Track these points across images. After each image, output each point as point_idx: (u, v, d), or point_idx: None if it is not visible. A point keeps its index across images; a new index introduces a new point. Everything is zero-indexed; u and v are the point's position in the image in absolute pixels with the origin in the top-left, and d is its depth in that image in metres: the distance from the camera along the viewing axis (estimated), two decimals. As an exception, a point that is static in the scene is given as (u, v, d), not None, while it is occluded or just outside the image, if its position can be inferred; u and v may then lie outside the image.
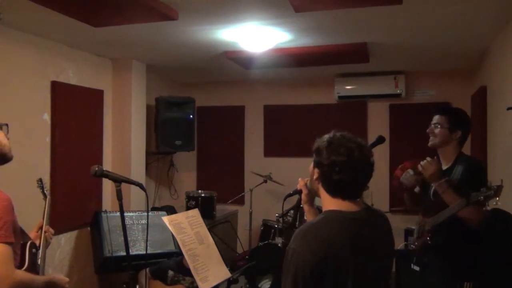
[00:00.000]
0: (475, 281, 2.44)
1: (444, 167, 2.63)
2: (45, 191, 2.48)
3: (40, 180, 2.54)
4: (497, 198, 2.11)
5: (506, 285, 2.49)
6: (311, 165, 1.66)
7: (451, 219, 2.38)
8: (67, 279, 2.09)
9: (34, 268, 2.03)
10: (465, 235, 2.43)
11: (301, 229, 1.52)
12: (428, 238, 2.58)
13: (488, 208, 2.19)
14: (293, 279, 1.43)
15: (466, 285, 2.43)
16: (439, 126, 2.61)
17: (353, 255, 1.46)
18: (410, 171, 2.73)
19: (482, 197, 2.16)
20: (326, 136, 1.60)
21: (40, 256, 2.11)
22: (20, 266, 1.96)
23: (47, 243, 2.23)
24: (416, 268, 2.72)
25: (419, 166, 2.62)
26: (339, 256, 1.44)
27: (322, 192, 1.61)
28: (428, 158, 2.57)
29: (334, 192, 1.57)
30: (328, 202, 1.58)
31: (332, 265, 1.42)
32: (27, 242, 2.06)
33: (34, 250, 2.08)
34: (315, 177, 1.61)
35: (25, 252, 2.01)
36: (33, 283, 1.90)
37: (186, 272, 3.45)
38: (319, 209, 4.20)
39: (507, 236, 2.56)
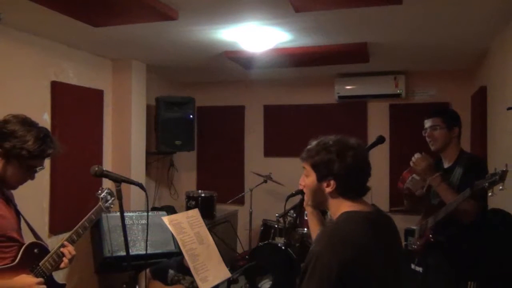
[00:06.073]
0: (478, 281, 2.44)
1: (446, 165, 2.66)
2: (101, 197, 2.42)
3: (107, 190, 2.45)
4: (503, 183, 2.07)
5: (509, 285, 2.48)
6: (310, 180, 1.59)
7: (454, 216, 2.38)
8: (34, 281, 1.99)
9: (27, 266, 2.05)
10: (468, 232, 2.43)
11: (325, 231, 1.50)
12: (430, 236, 2.57)
13: (494, 194, 2.13)
14: (319, 283, 1.38)
15: (470, 285, 2.43)
16: (438, 127, 2.63)
17: (377, 256, 1.45)
18: (416, 176, 2.76)
19: (486, 184, 2.12)
20: (324, 146, 1.56)
21: (47, 257, 2.12)
22: (10, 263, 2.01)
23: (60, 263, 2.17)
24: (418, 269, 2.71)
25: (411, 162, 2.65)
26: (365, 258, 1.42)
27: (333, 200, 1.58)
28: (418, 154, 2.62)
29: (353, 196, 1.57)
30: (344, 206, 1.56)
31: (358, 268, 1.40)
32: (25, 243, 2.09)
33: (36, 250, 2.10)
34: (329, 190, 1.55)
35: (19, 251, 2.04)
36: None
37: (187, 271, 3.45)
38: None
39: (509, 236, 2.56)
